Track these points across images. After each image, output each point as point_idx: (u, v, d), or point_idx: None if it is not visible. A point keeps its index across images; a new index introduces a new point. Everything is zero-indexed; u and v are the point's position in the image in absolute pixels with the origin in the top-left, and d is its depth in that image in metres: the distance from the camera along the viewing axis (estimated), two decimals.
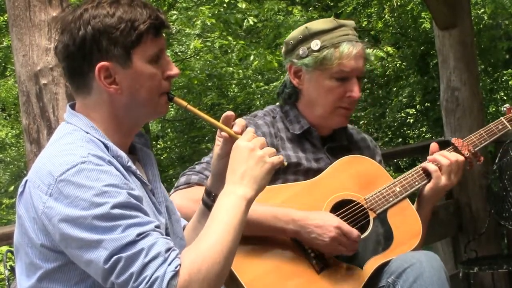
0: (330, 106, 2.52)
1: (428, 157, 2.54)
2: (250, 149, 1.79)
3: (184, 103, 1.88)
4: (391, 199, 2.47)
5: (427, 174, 2.53)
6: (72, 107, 1.83)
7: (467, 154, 2.54)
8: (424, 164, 2.54)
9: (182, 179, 2.41)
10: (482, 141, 2.62)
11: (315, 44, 2.49)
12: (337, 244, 2.32)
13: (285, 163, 1.87)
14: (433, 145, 2.57)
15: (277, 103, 2.70)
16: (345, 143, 2.63)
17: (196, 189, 2.34)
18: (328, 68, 2.48)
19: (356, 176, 2.49)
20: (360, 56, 2.50)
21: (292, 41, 2.55)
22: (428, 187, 2.52)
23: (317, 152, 2.55)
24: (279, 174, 2.44)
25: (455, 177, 2.51)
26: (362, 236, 2.39)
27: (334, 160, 2.52)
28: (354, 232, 2.34)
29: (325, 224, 2.31)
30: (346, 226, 2.33)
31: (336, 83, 2.50)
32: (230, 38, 12.04)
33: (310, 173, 2.49)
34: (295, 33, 2.56)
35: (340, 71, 2.48)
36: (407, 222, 2.46)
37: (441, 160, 2.50)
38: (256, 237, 2.31)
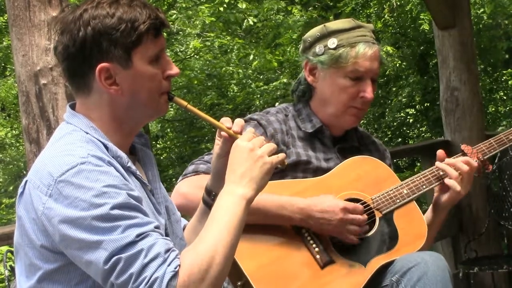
0: (342, 105, 2.53)
1: (438, 164, 2.54)
2: (249, 149, 1.79)
3: (184, 103, 1.88)
4: (398, 200, 2.48)
5: (436, 179, 2.53)
6: (72, 107, 1.83)
7: (476, 161, 2.55)
8: (433, 169, 2.54)
9: (191, 168, 2.43)
10: (492, 150, 2.63)
11: (332, 42, 2.50)
12: (346, 224, 2.34)
13: (286, 162, 1.87)
14: (440, 152, 2.57)
15: (279, 103, 2.70)
16: (355, 145, 2.65)
17: (203, 177, 2.35)
18: (343, 66, 2.49)
19: (364, 176, 2.50)
20: (375, 58, 2.51)
21: (309, 39, 2.56)
22: (445, 195, 2.52)
23: (328, 151, 2.57)
24: (288, 171, 2.45)
25: (469, 185, 2.52)
26: (368, 235, 2.40)
27: (343, 161, 2.53)
28: (358, 206, 2.37)
29: (330, 207, 2.34)
30: (350, 204, 2.36)
31: (350, 82, 2.51)
32: (228, 37, 12.04)
33: (319, 172, 2.50)
34: (313, 31, 2.57)
35: (354, 71, 2.49)
36: (412, 224, 2.47)
37: (452, 173, 2.49)
38: (260, 228, 2.32)
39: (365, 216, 2.38)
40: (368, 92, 2.51)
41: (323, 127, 2.57)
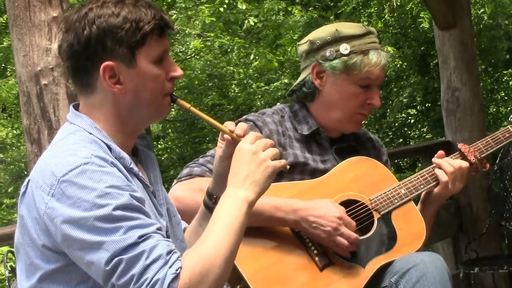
0: (350, 111, 2.54)
1: (434, 162, 2.55)
2: (252, 152, 1.79)
3: (187, 105, 1.88)
4: (396, 201, 2.48)
5: (433, 178, 2.54)
6: (76, 107, 1.84)
7: (473, 160, 2.56)
8: (430, 168, 2.55)
9: (185, 171, 2.43)
10: (489, 148, 2.64)
11: (344, 48, 2.49)
12: (338, 235, 2.32)
13: (288, 167, 1.87)
14: (440, 152, 2.58)
15: (279, 104, 2.70)
16: (352, 144, 2.65)
17: (197, 180, 2.35)
18: (355, 73, 2.49)
19: (362, 177, 2.50)
20: (383, 66, 2.52)
21: (318, 41, 2.54)
22: (433, 192, 2.53)
23: (324, 153, 2.56)
24: (285, 173, 2.44)
25: (460, 183, 2.53)
26: (366, 236, 2.40)
27: (341, 162, 2.53)
28: (353, 223, 2.36)
29: (326, 214, 2.33)
30: (347, 218, 2.35)
31: (360, 89, 2.52)
32: (228, 37, 12.03)
33: (317, 174, 2.50)
34: (323, 34, 2.54)
35: (366, 78, 2.50)
36: (411, 224, 2.47)
37: (445, 167, 2.51)
38: (258, 231, 2.32)
39: (356, 235, 2.35)
40: (376, 99, 2.53)
41: (319, 129, 2.56)
